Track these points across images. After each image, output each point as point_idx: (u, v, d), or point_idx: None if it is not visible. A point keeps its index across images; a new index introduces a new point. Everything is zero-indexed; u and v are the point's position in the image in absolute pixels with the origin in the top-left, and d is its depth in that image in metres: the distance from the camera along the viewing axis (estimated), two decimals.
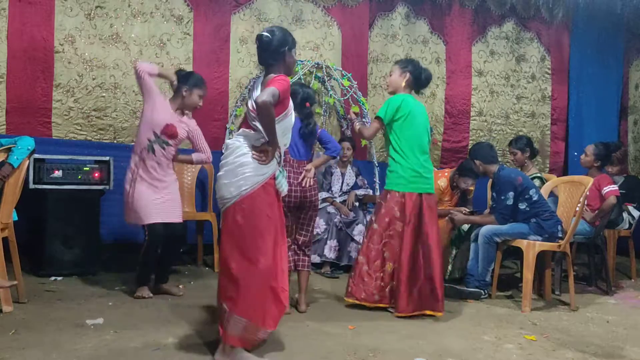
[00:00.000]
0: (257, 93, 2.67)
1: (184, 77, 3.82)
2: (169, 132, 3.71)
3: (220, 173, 2.70)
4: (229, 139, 2.88)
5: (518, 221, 4.10)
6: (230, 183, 2.63)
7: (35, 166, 4.17)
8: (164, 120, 3.70)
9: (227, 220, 2.65)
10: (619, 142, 5.86)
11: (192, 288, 4.14)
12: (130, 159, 3.77)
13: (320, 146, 3.89)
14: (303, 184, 3.51)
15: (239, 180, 2.61)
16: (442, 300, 3.59)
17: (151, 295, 3.80)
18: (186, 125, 3.84)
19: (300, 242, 3.63)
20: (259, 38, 2.77)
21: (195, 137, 3.92)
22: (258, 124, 2.63)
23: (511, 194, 4.08)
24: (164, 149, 3.72)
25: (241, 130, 2.74)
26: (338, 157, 4.51)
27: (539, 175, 4.79)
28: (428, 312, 3.57)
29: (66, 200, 4.24)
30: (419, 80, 3.74)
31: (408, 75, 3.70)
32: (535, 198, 4.08)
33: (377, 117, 3.72)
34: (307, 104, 3.54)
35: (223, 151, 2.89)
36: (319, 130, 3.69)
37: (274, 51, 2.75)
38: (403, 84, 3.71)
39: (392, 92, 3.79)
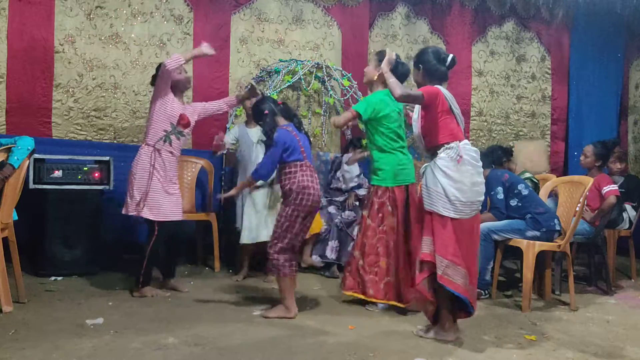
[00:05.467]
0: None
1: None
2: (183, 122, 3.83)
3: (479, 180, 3.11)
4: (470, 148, 3.21)
5: (514, 218, 4.13)
6: None
7: (35, 166, 4.17)
8: (178, 110, 3.80)
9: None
10: (617, 139, 5.83)
11: (192, 288, 4.14)
12: (141, 154, 3.75)
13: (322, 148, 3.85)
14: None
15: None
16: None
17: (166, 293, 3.88)
18: (192, 110, 3.95)
19: None
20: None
21: (203, 109, 4.03)
22: None
23: (500, 188, 4.20)
24: (179, 139, 3.83)
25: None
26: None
27: (528, 175, 4.79)
28: None
29: (66, 200, 4.24)
30: (394, 73, 3.57)
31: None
32: (525, 193, 4.16)
33: (356, 112, 3.71)
34: (266, 112, 3.52)
35: (449, 161, 3.15)
36: (271, 149, 3.48)
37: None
38: (375, 77, 3.74)
39: (367, 83, 3.86)
